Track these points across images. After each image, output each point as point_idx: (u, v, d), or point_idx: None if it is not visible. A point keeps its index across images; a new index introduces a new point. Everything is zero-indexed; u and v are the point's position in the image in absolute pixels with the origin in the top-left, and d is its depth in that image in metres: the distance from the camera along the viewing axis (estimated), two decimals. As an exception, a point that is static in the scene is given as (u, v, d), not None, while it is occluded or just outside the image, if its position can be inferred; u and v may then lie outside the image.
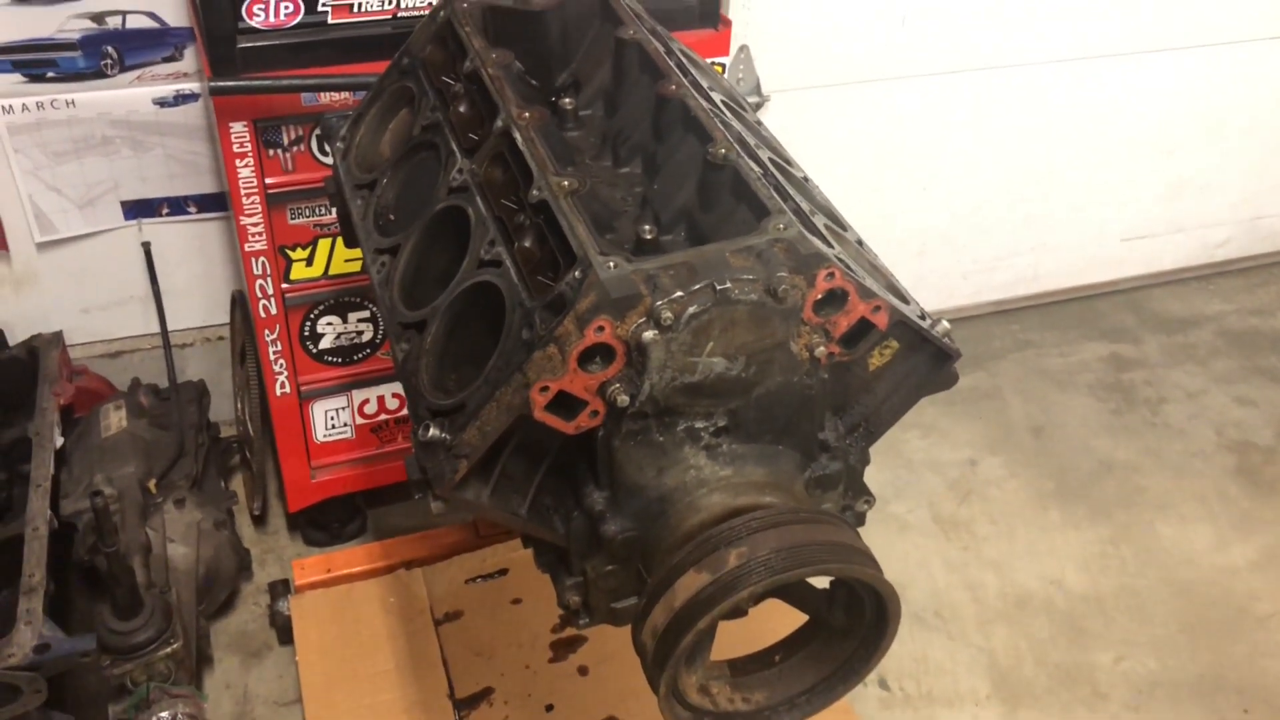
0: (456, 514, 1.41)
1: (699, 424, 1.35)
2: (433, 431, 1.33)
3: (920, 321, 1.42)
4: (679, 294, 1.25)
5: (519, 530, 1.47)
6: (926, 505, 3.04)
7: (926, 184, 3.40)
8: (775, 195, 1.38)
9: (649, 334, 1.25)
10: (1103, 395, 3.48)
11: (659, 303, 1.24)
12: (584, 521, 1.40)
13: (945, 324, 1.46)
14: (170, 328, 2.87)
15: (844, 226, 1.56)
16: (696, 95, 1.54)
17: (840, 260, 1.33)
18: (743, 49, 2.87)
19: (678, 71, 1.60)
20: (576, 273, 1.27)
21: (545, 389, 1.27)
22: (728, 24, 2.48)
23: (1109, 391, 3.49)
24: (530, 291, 1.36)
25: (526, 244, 1.40)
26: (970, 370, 3.40)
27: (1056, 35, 3.25)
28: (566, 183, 1.39)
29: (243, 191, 2.26)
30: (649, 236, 1.41)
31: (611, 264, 1.25)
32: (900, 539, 2.92)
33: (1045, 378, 3.53)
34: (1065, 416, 3.39)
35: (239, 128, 2.19)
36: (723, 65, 2.51)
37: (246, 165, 2.24)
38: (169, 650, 2.12)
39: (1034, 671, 2.61)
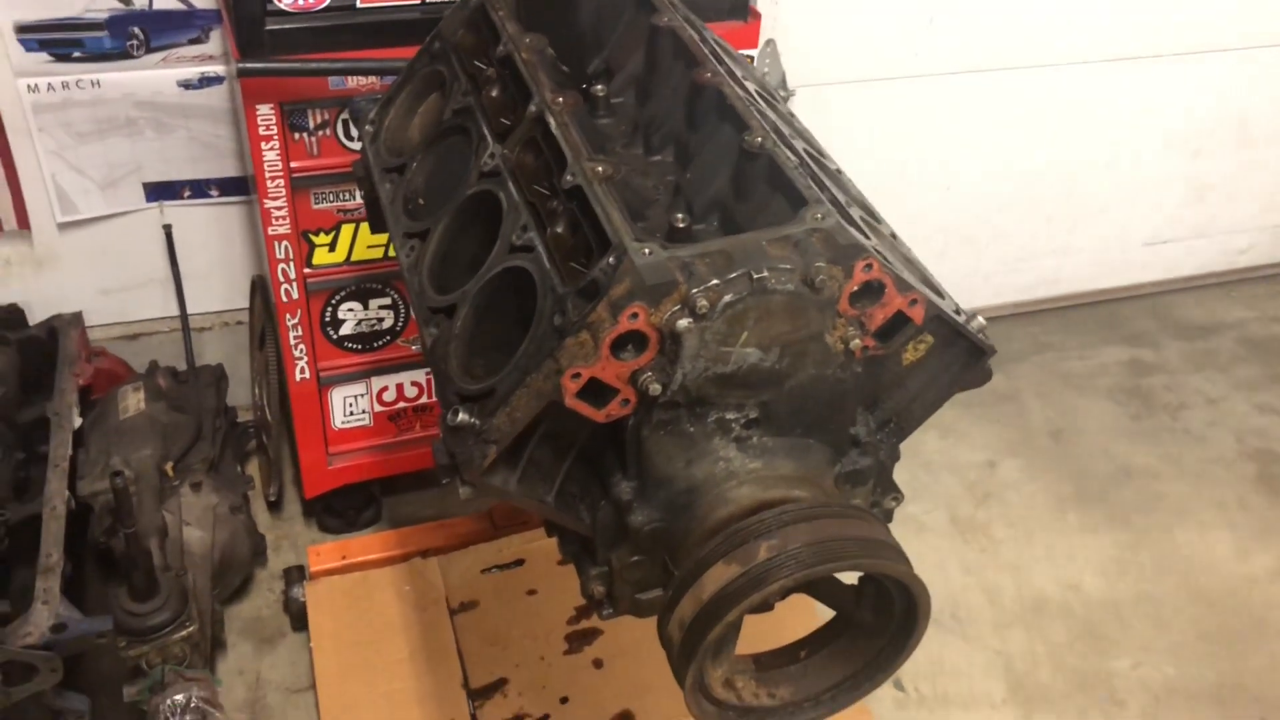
0: (482, 500, 1.40)
1: (730, 415, 1.34)
2: (462, 416, 1.32)
3: (956, 316, 1.41)
4: (715, 282, 1.23)
5: (545, 517, 1.46)
6: (944, 507, 3.02)
7: (950, 183, 3.38)
8: (812, 185, 1.36)
9: (683, 322, 1.23)
10: (1122, 400, 3.45)
11: (694, 290, 1.22)
12: (611, 511, 1.39)
13: (980, 320, 1.44)
14: (189, 311, 2.86)
15: (878, 219, 1.55)
16: (732, 83, 1.53)
17: (878, 252, 1.31)
18: (769, 43, 2.84)
19: (713, 60, 1.58)
20: (611, 259, 1.26)
21: (577, 376, 1.25)
22: (757, 16, 2.47)
23: (1129, 396, 3.47)
24: (563, 277, 1.34)
25: (559, 230, 1.39)
26: (989, 372, 3.38)
27: (1083, 37, 3.23)
28: (601, 168, 1.38)
29: (267, 175, 2.25)
30: (682, 225, 1.39)
31: (647, 250, 1.24)
32: (917, 540, 2.89)
33: (1065, 381, 3.51)
34: (1084, 420, 3.36)
35: (265, 110, 2.18)
36: (750, 58, 2.50)
37: (272, 148, 2.23)
38: (185, 633, 2.11)
39: (1050, 676, 2.59)
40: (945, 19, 3.05)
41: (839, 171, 1.64)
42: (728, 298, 1.24)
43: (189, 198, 2.77)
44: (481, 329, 1.45)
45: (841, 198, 1.43)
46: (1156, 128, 3.51)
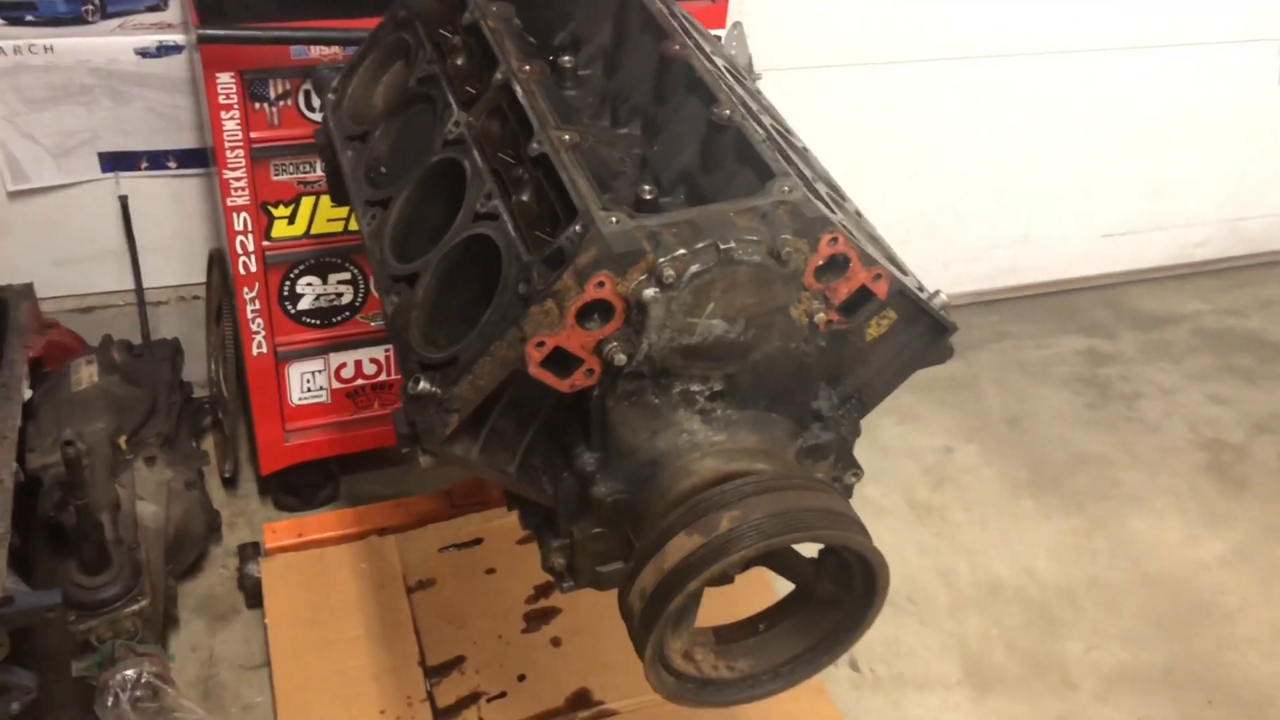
0: (442, 473, 1.39)
1: (694, 387, 1.34)
2: (423, 385, 1.31)
3: (919, 293, 1.41)
4: (682, 252, 1.23)
5: (507, 489, 1.45)
6: (901, 490, 3.05)
7: (914, 171, 3.40)
8: (780, 158, 1.36)
9: (650, 291, 1.23)
10: (1079, 389, 3.50)
11: (661, 260, 1.22)
12: (573, 483, 1.38)
13: (943, 296, 1.45)
14: (145, 285, 2.81)
15: (844, 197, 1.55)
16: (700, 57, 1.52)
17: (843, 226, 1.31)
18: (736, 25, 2.84)
19: (681, 33, 1.57)
20: (577, 227, 1.25)
21: (541, 344, 1.24)
22: (725, -3, 2.46)
23: (1085, 385, 3.51)
24: (528, 246, 1.33)
25: (524, 198, 1.38)
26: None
27: (1048, 27, 3.26)
28: (568, 136, 1.37)
29: (227, 145, 2.22)
30: (649, 197, 1.39)
31: (614, 219, 1.23)
32: (875, 523, 2.84)
33: (1022, 369, 3.55)
34: (1041, 408, 3.40)
35: (225, 79, 2.15)
36: (717, 38, 2.49)
37: (232, 118, 2.19)
38: (136, 607, 2.08)
39: (1004, 658, 2.62)
40: (911, 7, 3.07)
41: (805, 150, 1.64)
42: (694, 268, 1.23)
43: (146, 169, 2.72)
44: (444, 298, 1.43)
45: (808, 173, 1.43)
46: (1117, 121, 3.55)
